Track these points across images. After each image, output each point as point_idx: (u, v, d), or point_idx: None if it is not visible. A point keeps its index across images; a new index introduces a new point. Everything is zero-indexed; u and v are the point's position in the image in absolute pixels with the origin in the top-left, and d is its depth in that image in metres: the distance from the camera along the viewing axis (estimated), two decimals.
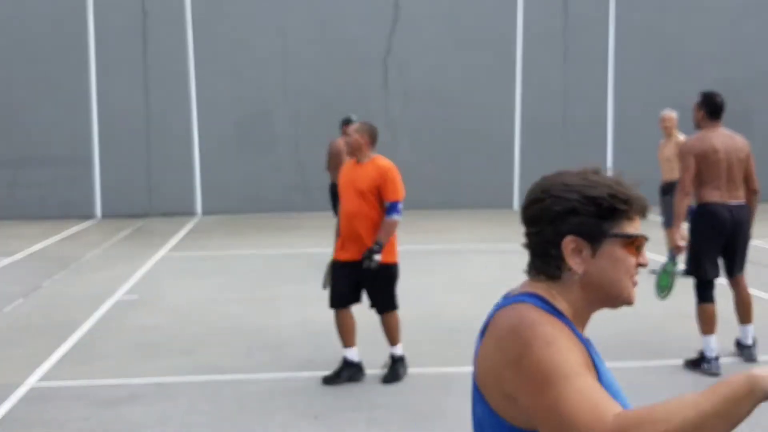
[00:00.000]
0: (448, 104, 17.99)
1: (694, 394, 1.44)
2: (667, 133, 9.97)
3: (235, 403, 5.75)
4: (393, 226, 5.99)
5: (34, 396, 5.98)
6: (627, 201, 1.70)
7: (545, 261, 1.73)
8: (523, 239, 1.83)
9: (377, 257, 5.90)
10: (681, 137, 9.63)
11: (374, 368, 6.23)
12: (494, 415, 1.65)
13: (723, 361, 6.36)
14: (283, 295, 9.17)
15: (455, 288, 9.58)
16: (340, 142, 10.73)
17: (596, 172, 1.75)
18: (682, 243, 6.37)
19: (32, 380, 6.30)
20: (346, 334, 6.08)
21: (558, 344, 1.56)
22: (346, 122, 10.70)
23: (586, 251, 1.68)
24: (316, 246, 11.41)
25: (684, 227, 6.45)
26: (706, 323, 6.24)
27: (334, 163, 10.93)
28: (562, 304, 1.69)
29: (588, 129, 18.46)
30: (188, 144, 17.63)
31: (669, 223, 8.77)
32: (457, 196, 17.98)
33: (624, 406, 1.58)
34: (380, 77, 17.98)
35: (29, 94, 17.08)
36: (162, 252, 12.48)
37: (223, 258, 12.03)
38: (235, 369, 6.53)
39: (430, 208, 17.63)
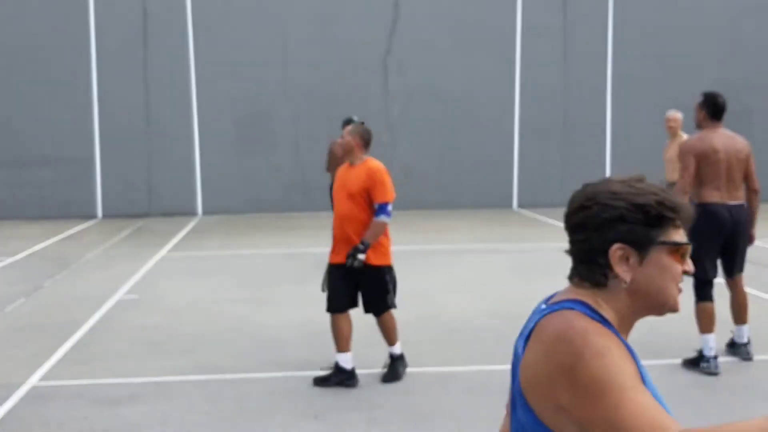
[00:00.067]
0: (448, 104, 18.02)
1: (762, 419, 1.46)
2: (672, 134, 9.97)
3: (234, 403, 5.76)
4: (381, 227, 5.95)
5: (34, 395, 6.00)
6: (674, 209, 1.70)
7: (591, 268, 1.72)
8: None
9: (361, 256, 5.87)
10: (685, 138, 9.65)
11: (373, 368, 6.25)
12: (539, 424, 1.65)
13: (722, 360, 6.39)
14: (283, 295, 9.19)
15: (455, 288, 9.60)
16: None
17: (640, 180, 1.74)
18: None
19: (33, 380, 6.32)
20: (341, 338, 6.06)
21: (611, 355, 1.56)
22: (348, 123, 10.72)
23: (634, 259, 1.68)
24: (316, 246, 11.42)
25: None
26: (705, 322, 6.26)
27: (334, 163, 10.94)
28: (607, 312, 1.69)
29: (587, 129, 18.48)
30: (189, 144, 17.65)
31: None
32: (457, 196, 18.00)
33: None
34: (380, 77, 18.00)
35: (30, 94, 17.11)
36: (162, 252, 12.50)
37: (223, 258, 12.05)
38: (235, 369, 6.54)
39: (430, 208, 17.67)
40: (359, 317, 6.30)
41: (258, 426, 5.34)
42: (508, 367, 6.31)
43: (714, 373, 6.16)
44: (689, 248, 1.73)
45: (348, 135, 6.21)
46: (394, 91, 18.03)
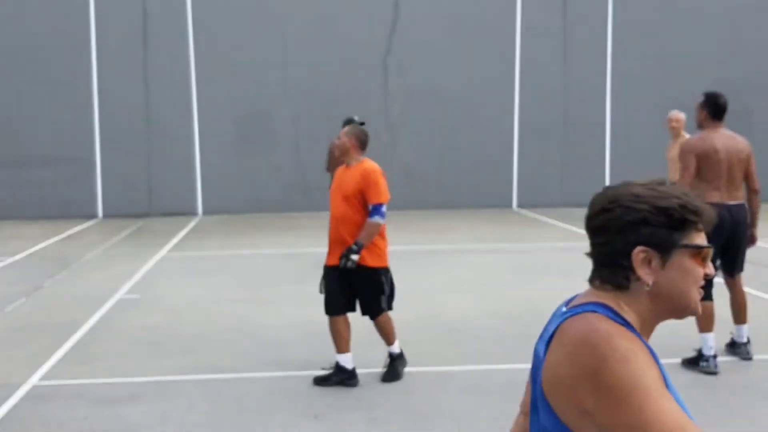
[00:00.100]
0: (448, 104, 18.03)
1: None
2: (675, 134, 9.96)
3: (234, 403, 5.77)
4: (374, 228, 5.92)
5: (34, 395, 6.00)
6: (696, 212, 1.71)
7: (613, 271, 1.72)
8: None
9: (354, 257, 5.85)
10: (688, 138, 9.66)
11: (373, 368, 6.25)
12: (562, 427, 1.65)
13: (721, 360, 6.40)
14: (283, 295, 9.19)
15: (455, 288, 9.60)
16: None
17: (661, 183, 1.75)
18: None
19: (33, 379, 6.33)
20: (339, 340, 6.07)
21: (636, 359, 1.57)
22: (348, 123, 10.72)
23: (656, 262, 1.69)
24: (316, 246, 11.42)
25: None
26: (705, 321, 6.26)
27: (334, 164, 10.94)
28: (629, 315, 1.70)
29: (587, 129, 18.50)
30: (189, 144, 17.66)
31: None
32: (457, 196, 18.01)
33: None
34: (380, 77, 18.01)
35: (30, 94, 17.12)
36: (162, 252, 12.51)
37: (223, 258, 12.05)
38: (235, 369, 6.55)
39: (430, 208, 17.68)
40: (358, 317, 6.30)
41: (258, 426, 5.35)
42: (507, 366, 6.33)
43: (713, 373, 6.16)
44: (711, 251, 1.74)
45: (344, 136, 6.21)
46: (394, 91, 18.05)
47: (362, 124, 12.18)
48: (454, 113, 18.08)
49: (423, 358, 6.66)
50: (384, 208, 5.98)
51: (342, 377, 6.05)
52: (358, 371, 6.10)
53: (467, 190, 18.07)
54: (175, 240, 13.86)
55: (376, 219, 5.93)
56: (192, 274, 10.65)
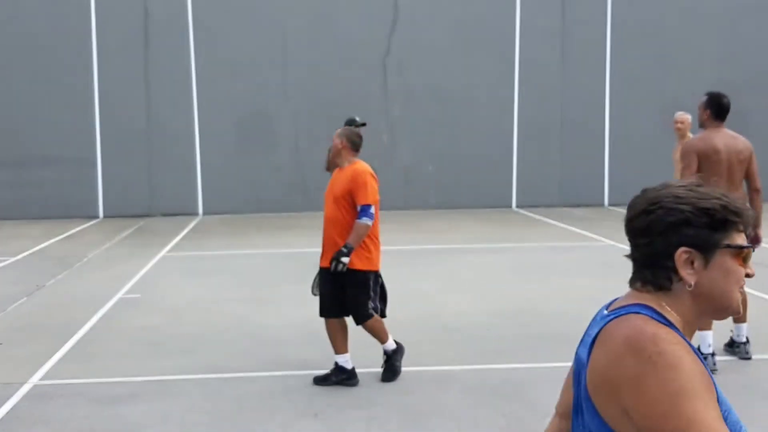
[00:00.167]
0: (447, 104, 18.06)
1: None
2: (681, 135, 9.97)
3: (234, 402, 5.79)
4: (363, 229, 5.89)
5: (36, 394, 6.03)
6: (737, 213, 1.72)
7: (655, 272, 1.73)
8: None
9: (345, 260, 5.83)
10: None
11: (372, 367, 6.27)
12: (608, 430, 1.66)
13: (721, 359, 6.42)
14: (283, 295, 9.21)
15: (455, 288, 9.62)
16: None
17: (699, 184, 1.76)
18: None
19: (34, 379, 6.36)
20: (336, 341, 6.09)
21: (683, 367, 1.57)
22: (350, 123, 10.75)
23: (699, 262, 1.70)
24: (316, 246, 11.37)
25: None
26: None
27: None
28: (672, 316, 1.70)
29: (586, 129, 18.52)
30: (189, 144, 17.68)
31: None
32: (457, 196, 18.04)
33: (735, 422, 1.62)
34: (380, 77, 18.03)
35: (32, 94, 17.14)
36: (163, 252, 12.53)
37: (223, 258, 12.08)
38: (235, 368, 6.57)
39: (430, 208, 17.70)
40: None
41: (258, 424, 5.37)
42: (506, 366, 6.35)
43: (712, 371, 6.18)
44: (751, 251, 1.75)
45: (336, 138, 6.23)
46: (394, 91, 18.07)
47: (363, 124, 12.21)
48: (453, 113, 18.10)
49: (422, 358, 6.68)
50: (372, 210, 5.93)
51: (341, 377, 6.07)
52: (358, 371, 6.12)
53: (467, 190, 18.09)
54: (175, 240, 13.89)
55: (365, 220, 5.90)
56: (192, 274, 10.67)
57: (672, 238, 1.70)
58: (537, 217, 16.50)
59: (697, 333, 6.30)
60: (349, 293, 6.01)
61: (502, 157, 18.36)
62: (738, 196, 6.48)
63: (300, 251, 12.13)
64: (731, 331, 6.73)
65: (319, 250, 6.27)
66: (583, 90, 18.43)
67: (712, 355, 6.27)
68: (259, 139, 17.81)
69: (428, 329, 7.67)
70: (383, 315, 6.20)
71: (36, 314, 8.57)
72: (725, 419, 1.61)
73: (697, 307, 1.72)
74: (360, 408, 5.64)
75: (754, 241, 6.57)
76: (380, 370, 6.23)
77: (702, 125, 6.56)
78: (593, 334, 1.73)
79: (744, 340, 6.62)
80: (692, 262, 1.69)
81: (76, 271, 11.02)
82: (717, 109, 6.45)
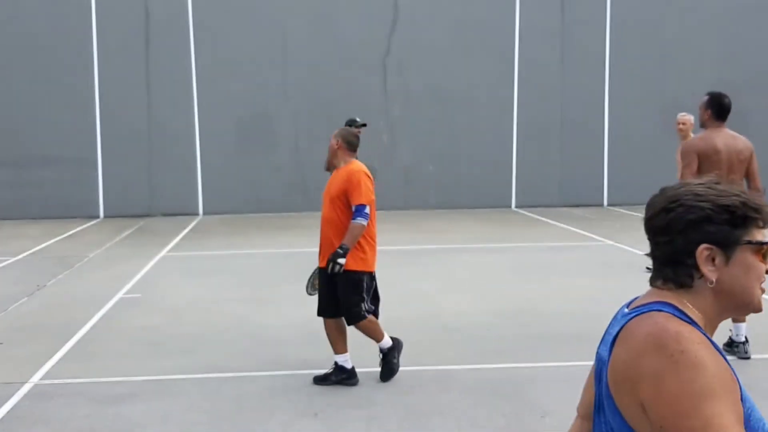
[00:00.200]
0: (447, 104, 18.07)
1: None
2: (683, 136, 9.99)
3: (234, 402, 5.80)
4: (358, 229, 5.88)
5: (36, 394, 6.04)
6: (757, 209, 1.72)
7: (676, 270, 1.73)
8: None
9: (341, 261, 5.83)
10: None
11: (372, 367, 6.28)
12: (628, 428, 1.67)
13: None
14: (283, 295, 9.22)
15: (454, 288, 9.63)
16: None
17: (717, 182, 1.77)
18: None
19: (35, 378, 6.37)
20: (335, 341, 6.10)
21: (705, 369, 1.56)
22: (350, 124, 10.77)
23: (720, 259, 1.70)
24: (316, 246, 11.42)
25: None
26: None
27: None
28: (693, 314, 1.71)
29: (585, 129, 18.54)
30: (190, 144, 17.69)
31: None
32: (457, 196, 18.05)
33: (759, 419, 1.63)
34: (380, 78, 18.04)
35: (32, 94, 17.15)
36: (163, 252, 12.54)
37: (223, 257, 12.09)
38: (235, 368, 6.58)
39: (430, 208, 17.71)
40: None
41: (258, 424, 5.38)
42: (506, 365, 6.35)
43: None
44: None
45: (333, 138, 6.24)
46: (393, 91, 18.08)
47: (363, 125, 12.21)
48: (453, 113, 18.12)
49: (422, 358, 6.69)
50: (367, 209, 5.91)
51: (341, 377, 6.08)
52: (357, 370, 6.14)
53: (467, 190, 18.11)
54: (175, 240, 13.90)
55: (359, 220, 5.88)
56: (192, 274, 10.68)
57: (693, 236, 1.70)
58: (536, 217, 16.51)
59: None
60: (341, 293, 6.00)
61: (502, 157, 18.37)
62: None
63: (300, 251, 12.14)
64: (730, 330, 6.74)
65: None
66: (582, 90, 18.44)
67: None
68: (259, 139, 17.82)
69: (428, 329, 7.67)
70: (376, 316, 6.18)
71: (36, 314, 8.58)
72: (748, 417, 1.61)
73: (718, 304, 1.72)
74: (360, 407, 5.65)
75: None
76: (380, 369, 6.24)
77: (703, 125, 6.59)
78: (614, 332, 1.73)
79: (743, 339, 6.63)
80: (713, 259, 1.70)
81: (77, 271, 11.04)
82: (718, 109, 6.47)
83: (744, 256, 1.71)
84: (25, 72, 17.12)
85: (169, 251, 12.65)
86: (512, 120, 18.40)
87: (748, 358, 6.59)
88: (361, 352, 6.32)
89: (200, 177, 17.76)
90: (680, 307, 1.70)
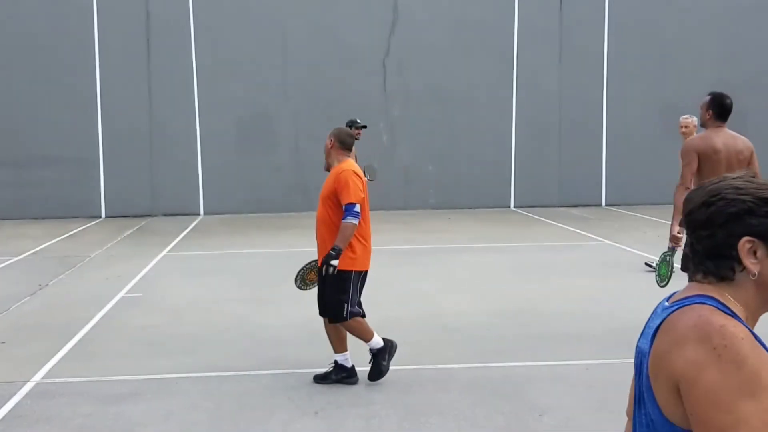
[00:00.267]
0: (447, 105, 18.10)
1: None
2: (685, 138, 10.02)
3: (235, 400, 5.83)
4: (349, 229, 5.85)
5: (38, 392, 6.07)
6: None
7: (718, 263, 1.73)
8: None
9: (334, 262, 5.81)
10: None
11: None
12: (665, 418, 1.68)
13: None
14: (283, 295, 9.23)
15: (454, 287, 9.66)
16: None
17: (754, 176, 1.78)
18: (681, 234, 6.48)
19: (37, 377, 6.39)
20: (335, 341, 6.11)
21: (746, 363, 1.56)
22: (351, 125, 10.80)
23: (762, 251, 1.70)
24: (316, 246, 11.48)
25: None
26: None
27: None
28: (735, 307, 1.70)
29: (584, 130, 18.57)
30: (191, 145, 17.71)
31: None
32: (457, 196, 18.08)
33: None
34: (380, 78, 18.07)
35: (34, 95, 17.18)
36: (164, 251, 12.57)
37: (224, 257, 12.11)
38: (235, 367, 6.60)
39: (429, 208, 17.74)
40: None
41: (258, 423, 5.41)
42: (506, 365, 6.36)
43: None
44: None
45: (327, 138, 6.24)
46: (393, 92, 18.11)
47: (364, 126, 12.22)
48: (453, 114, 18.15)
49: (422, 357, 6.72)
50: (357, 208, 5.88)
51: (341, 375, 6.11)
52: (358, 369, 6.16)
53: (466, 190, 18.14)
54: (176, 240, 13.93)
55: (350, 220, 5.86)
56: (193, 274, 10.70)
57: (734, 229, 1.70)
58: (536, 217, 16.53)
59: None
60: (327, 290, 5.99)
61: (501, 158, 18.40)
62: None
63: (300, 251, 12.16)
64: None
65: None
66: (581, 90, 18.47)
67: None
68: (259, 139, 17.85)
69: (428, 329, 7.70)
70: (362, 315, 6.14)
71: (38, 313, 8.61)
72: None
73: (760, 296, 1.72)
74: (360, 406, 5.68)
75: None
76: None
77: (704, 125, 6.61)
78: (655, 326, 1.74)
79: None
80: (755, 252, 1.70)
81: (78, 271, 11.06)
82: (719, 109, 6.49)
83: None
84: (25, 72, 17.14)
85: (170, 251, 12.67)
86: (511, 120, 18.43)
87: None
88: (361, 352, 6.35)
89: (201, 177, 17.79)
90: (722, 300, 1.70)
